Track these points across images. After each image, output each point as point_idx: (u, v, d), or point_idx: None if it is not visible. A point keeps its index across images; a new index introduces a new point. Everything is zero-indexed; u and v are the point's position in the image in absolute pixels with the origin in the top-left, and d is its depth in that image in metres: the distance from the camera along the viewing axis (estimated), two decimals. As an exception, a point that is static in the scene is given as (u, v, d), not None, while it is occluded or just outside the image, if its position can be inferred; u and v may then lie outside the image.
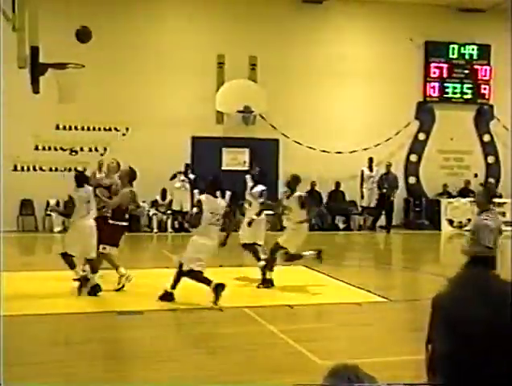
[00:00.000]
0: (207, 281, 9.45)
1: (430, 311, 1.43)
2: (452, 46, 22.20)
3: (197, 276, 9.46)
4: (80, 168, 15.67)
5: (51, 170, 19.15)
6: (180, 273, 9.53)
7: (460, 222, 21.07)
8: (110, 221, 10.47)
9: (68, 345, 7.89)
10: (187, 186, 18.91)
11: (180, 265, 9.59)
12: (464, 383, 1.32)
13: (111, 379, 6.56)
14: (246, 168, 20.41)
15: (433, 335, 1.40)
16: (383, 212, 20.62)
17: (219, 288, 9.34)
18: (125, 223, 10.73)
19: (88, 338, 8.05)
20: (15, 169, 18.85)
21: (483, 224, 7.78)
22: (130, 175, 10.79)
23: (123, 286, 10.34)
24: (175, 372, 6.87)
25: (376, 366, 6.21)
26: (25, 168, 18.85)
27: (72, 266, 10.36)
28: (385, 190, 20.47)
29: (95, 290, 9.96)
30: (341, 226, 20.81)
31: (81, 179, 10.65)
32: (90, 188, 10.57)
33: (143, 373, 6.80)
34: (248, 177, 11.61)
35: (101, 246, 10.35)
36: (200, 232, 9.63)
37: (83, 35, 10.65)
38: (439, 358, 1.37)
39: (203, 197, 9.86)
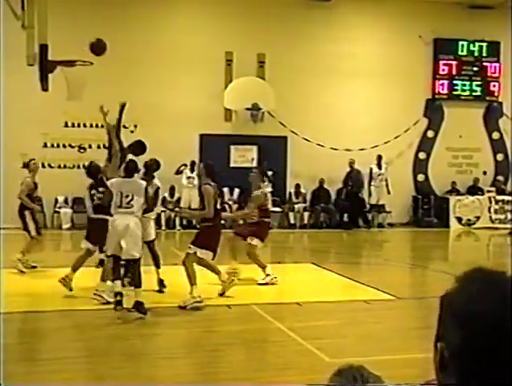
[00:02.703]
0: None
1: (439, 309, 1.42)
2: (461, 43, 22.11)
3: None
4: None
5: (59, 167, 19.21)
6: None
7: (469, 219, 21.01)
8: None
9: (76, 342, 7.91)
10: (195, 182, 18.92)
11: None
12: (477, 379, 1.30)
13: (119, 375, 6.58)
14: (255, 165, 20.45)
15: (443, 333, 1.38)
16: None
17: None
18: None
19: (96, 335, 8.07)
20: (24, 166, 18.89)
21: None
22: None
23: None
24: (183, 369, 6.89)
25: (384, 364, 6.22)
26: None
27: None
28: (349, 188, 20.50)
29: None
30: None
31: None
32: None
33: (151, 370, 6.81)
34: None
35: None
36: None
37: (97, 48, 10.57)
38: (451, 355, 1.35)
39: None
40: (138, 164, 9.73)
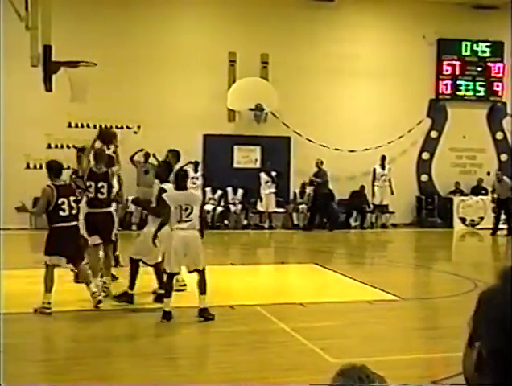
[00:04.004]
0: None
1: (476, 306, 1.37)
2: (464, 43, 22.08)
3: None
4: None
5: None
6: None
7: (473, 220, 20.99)
8: None
9: (81, 342, 7.91)
10: (198, 183, 18.92)
11: None
12: None
13: (124, 376, 6.59)
14: (258, 166, 20.45)
15: (481, 332, 1.33)
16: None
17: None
18: None
19: (101, 336, 8.08)
20: (28, 167, 18.94)
21: None
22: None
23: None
24: (188, 370, 6.89)
25: (388, 364, 6.22)
26: (37, 166, 18.90)
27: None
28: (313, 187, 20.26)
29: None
30: (353, 224, 20.75)
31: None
32: None
33: (155, 370, 6.82)
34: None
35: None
36: None
37: (106, 136, 10.34)
38: (489, 356, 1.30)
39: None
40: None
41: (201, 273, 8.69)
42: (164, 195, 8.66)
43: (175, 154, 10.70)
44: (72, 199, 9.05)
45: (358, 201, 20.66)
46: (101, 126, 10.56)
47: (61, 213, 8.90)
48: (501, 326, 1.29)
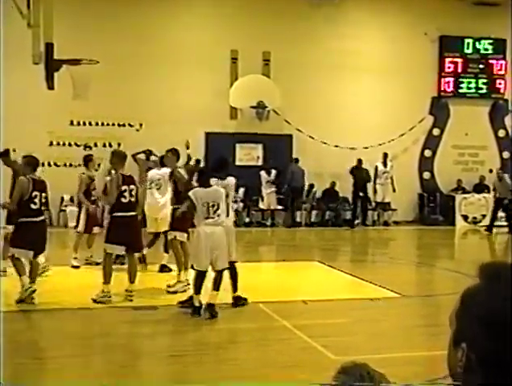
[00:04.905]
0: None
1: (459, 306, 1.36)
2: (466, 40, 22.06)
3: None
4: None
5: (65, 165, 19.25)
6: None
7: (475, 217, 20.98)
8: None
9: (82, 340, 7.92)
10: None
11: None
12: (504, 380, 1.26)
13: (126, 374, 6.59)
14: (260, 164, 20.45)
15: (466, 332, 1.32)
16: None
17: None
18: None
19: (103, 333, 8.09)
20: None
21: None
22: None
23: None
24: (190, 367, 6.90)
25: (390, 361, 6.22)
26: (39, 164, 18.93)
27: None
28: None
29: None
30: (356, 221, 20.73)
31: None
32: None
33: (157, 368, 6.83)
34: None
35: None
36: None
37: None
38: (476, 356, 1.30)
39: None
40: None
41: (220, 271, 8.74)
42: (190, 193, 8.70)
43: (174, 153, 10.69)
44: (43, 194, 9.40)
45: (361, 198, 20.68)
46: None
47: (32, 206, 9.20)
48: (484, 328, 1.27)
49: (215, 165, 9.69)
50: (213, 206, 8.56)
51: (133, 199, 9.56)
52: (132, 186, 9.56)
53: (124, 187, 9.44)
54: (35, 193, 9.23)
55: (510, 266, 1.33)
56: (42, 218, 9.38)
